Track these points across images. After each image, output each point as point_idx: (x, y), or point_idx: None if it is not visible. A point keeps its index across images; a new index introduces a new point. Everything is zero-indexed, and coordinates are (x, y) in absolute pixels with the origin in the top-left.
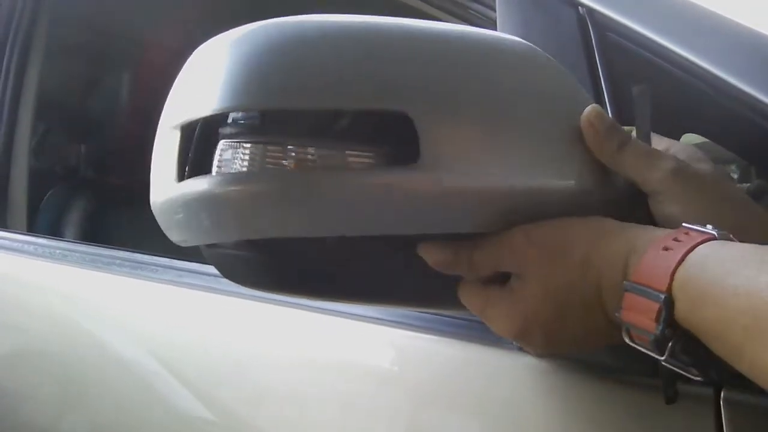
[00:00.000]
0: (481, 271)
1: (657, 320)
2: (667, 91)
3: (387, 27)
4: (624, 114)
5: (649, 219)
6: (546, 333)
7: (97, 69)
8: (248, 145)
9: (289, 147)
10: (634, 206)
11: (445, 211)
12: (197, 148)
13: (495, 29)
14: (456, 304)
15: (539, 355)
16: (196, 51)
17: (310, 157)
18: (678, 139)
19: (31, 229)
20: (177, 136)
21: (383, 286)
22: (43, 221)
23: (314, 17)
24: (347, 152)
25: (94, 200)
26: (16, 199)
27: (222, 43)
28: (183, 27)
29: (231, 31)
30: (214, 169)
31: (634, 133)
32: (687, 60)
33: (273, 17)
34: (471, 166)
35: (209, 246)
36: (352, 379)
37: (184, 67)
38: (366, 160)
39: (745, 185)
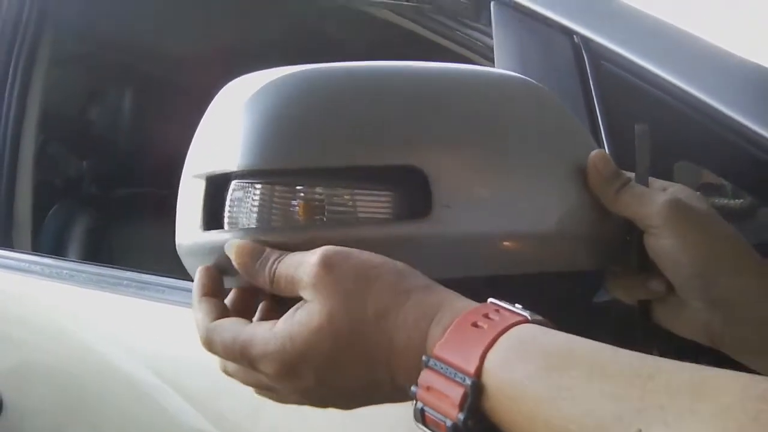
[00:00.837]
0: (279, 289)
1: (460, 407)
2: (660, 119)
3: (392, 74)
4: (618, 145)
5: (638, 262)
6: (318, 377)
7: (100, 82)
8: (258, 186)
9: (297, 187)
10: (626, 248)
11: (455, 258)
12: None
13: (492, 55)
14: None
15: (312, 404)
16: (218, 97)
17: (317, 197)
18: (671, 167)
19: (35, 245)
20: (202, 185)
21: None
22: (47, 238)
23: (325, 71)
24: (356, 192)
25: (97, 215)
26: (21, 218)
27: (241, 99)
28: (186, 40)
29: (250, 81)
30: (227, 208)
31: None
32: (680, 89)
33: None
34: (481, 213)
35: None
36: None
37: (208, 113)
38: (375, 205)
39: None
